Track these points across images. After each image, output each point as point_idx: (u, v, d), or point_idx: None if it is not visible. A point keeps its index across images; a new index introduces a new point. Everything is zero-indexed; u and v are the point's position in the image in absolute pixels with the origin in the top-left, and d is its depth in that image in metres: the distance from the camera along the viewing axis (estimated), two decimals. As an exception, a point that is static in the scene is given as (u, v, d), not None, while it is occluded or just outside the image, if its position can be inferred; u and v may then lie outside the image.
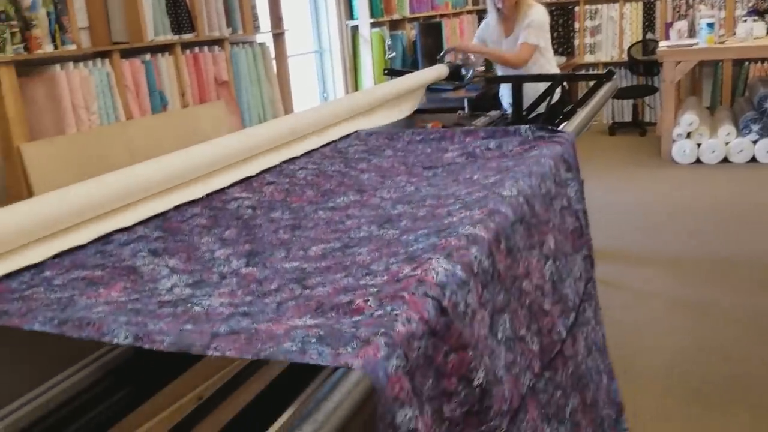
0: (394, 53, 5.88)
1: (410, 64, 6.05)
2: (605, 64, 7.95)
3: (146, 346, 0.80)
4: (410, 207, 1.34)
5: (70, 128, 3.18)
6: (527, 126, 1.80)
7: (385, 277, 0.95)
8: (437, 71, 2.94)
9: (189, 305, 0.93)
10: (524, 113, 2.99)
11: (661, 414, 2.53)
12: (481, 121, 2.92)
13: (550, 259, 1.35)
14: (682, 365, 2.87)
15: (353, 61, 5.78)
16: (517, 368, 1.12)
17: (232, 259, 1.12)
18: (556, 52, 7.84)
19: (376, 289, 0.91)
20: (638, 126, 7.62)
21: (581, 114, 2.04)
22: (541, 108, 2.95)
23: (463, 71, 3.23)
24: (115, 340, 0.82)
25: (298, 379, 0.90)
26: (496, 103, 4.11)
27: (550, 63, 3.80)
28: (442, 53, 3.46)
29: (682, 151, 6.16)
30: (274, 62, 4.67)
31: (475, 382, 0.94)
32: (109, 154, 3.20)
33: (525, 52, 3.56)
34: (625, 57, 7.80)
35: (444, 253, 0.99)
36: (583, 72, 7.93)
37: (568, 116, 2.42)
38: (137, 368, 1.07)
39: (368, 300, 0.87)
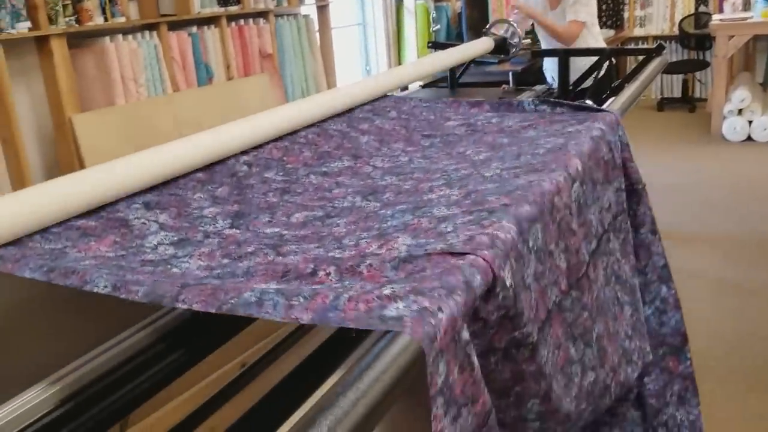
0: (438, 26, 5.83)
1: (455, 37, 5.99)
2: (655, 38, 7.76)
3: (122, 296, 0.85)
4: (398, 179, 1.37)
5: (119, 99, 3.24)
6: (530, 99, 1.80)
7: (353, 252, 0.98)
8: (482, 44, 2.91)
9: (168, 266, 0.98)
10: (570, 88, 2.94)
11: (702, 397, 2.50)
12: (526, 95, 2.88)
13: (577, 182, 1.36)
14: (726, 347, 2.83)
15: (397, 33, 5.74)
16: (545, 281, 1.12)
17: (218, 219, 1.16)
18: (604, 24, 7.68)
19: (338, 256, 0.96)
20: (688, 102, 7.44)
21: (627, 91, 2.01)
22: (588, 83, 2.91)
23: (509, 44, 3.20)
24: (96, 289, 0.88)
25: (341, 347, 0.92)
26: (542, 77, 4.06)
27: (595, 38, 3.75)
28: (488, 26, 3.43)
29: (732, 128, 6.01)
30: (317, 35, 4.67)
31: (509, 282, 0.95)
32: (156, 126, 3.26)
33: (575, 29, 3.61)
34: (676, 30, 7.60)
35: (412, 234, 1.02)
36: (632, 46, 7.77)
37: (615, 92, 2.38)
38: (190, 333, 1.10)
39: (329, 273, 0.90)
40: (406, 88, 3.15)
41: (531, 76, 4.18)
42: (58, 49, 2.97)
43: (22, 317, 1.10)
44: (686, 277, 3.45)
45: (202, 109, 3.53)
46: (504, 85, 3.10)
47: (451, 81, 3.14)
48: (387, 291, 0.81)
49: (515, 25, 3.13)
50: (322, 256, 0.97)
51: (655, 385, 1.72)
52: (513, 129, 1.66)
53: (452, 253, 0.92)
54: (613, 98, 2.02)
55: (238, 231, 1.11)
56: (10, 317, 1.09)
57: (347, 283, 0.87)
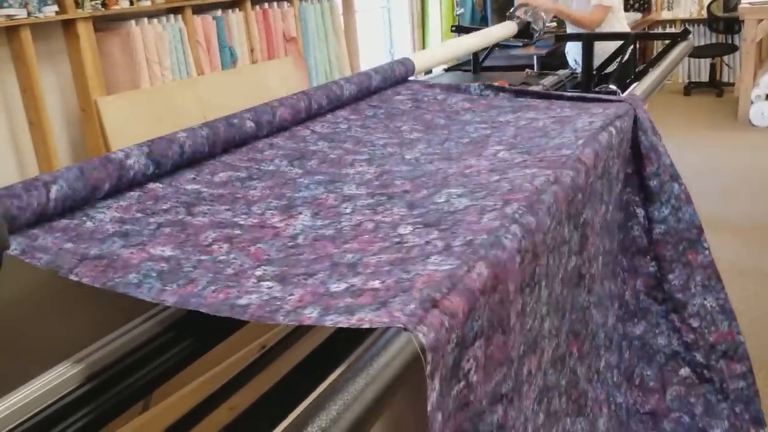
0: (462, 9, 5.79)
1: (479, 21, 5.95)
2: (683, 21, 7.65)
3: (27, 260, 0.90)
4: (329, 146, 1.43)
5: (144, 83, 3.27)
6: (477, 84, 1.86)
7: (255, 221, 1.07)
8: (506, 28, 2.89)
9: (84, 218, 1.02)
10: (594, 72, 2.92)
11: (722, 382, 2.49)
12: (549, 79, 2.86)
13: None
14: (745, 333, 2.81)
15: (421, 16, 5.72)
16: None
17: (150, 169, 1.17)
18: (631, 7, 7.58)
19: (238, 232, 1.03)
20: (715, 86, 7.33)
21: (651, 76, 1.99)
22: (611, 67, 2.88)
23: (533, 28, 3.17)
24: (5, 251, 0.91)
25: (358, 332, 0.94)
26: (566, 61, 4.03)
27: (620, 22, 3.71)
28: (512, 9, 3.40)
29: (760, 113, 5.92)
30: (341, 18, 4.67)
31: None
32: (180, 109, 3.29)
33: (599, 14, 3.57)
34: (704, 13, 7.48)
35: (312, 211, 1.11)
36: (659, 30, 7.66)
37: (639, 77, 2.36)
38: (212, 314, 1.12)
39: (222, 247, 0.98)
40: (429, 71, 3.15)
41: (556, 59, 4.14)
42: (85, 32, 3.00)
43: (47, 296, 1.13)
44: (709, 264, 3.42)
45: (227, 92, 3.55)
46: (527, 69, 3.08)
47: (475, 65, 3.13)
48: (259, 272, 0.90)
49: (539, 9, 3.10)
50: (227, 222, 1.05)
51: (679, 280, 1.79)
52: (453, 109, 1.72)
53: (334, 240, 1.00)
54: (636, 83, 2.01)
55: (160, 185, 1.16)
56: (37, 295, 1.11)
57: (232, 257, 0.95)
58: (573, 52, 3.83)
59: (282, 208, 1.13)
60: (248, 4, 3.85)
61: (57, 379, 0.94)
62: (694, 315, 1.83)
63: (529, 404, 1.13)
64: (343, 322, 0.76)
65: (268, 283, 0.88)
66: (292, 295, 0.85)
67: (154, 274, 0.90)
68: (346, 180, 1.25)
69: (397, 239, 0.99)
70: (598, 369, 1.56)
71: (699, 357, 1.85)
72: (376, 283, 0.85)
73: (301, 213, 1.11)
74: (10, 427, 0.87)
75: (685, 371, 1.86)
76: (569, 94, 1.86)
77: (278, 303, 0.83)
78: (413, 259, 0.92)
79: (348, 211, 1.12)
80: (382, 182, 1.24)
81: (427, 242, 0.97)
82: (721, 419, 1.90)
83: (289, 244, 1.01)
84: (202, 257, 0.96)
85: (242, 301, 0.84)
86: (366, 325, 0.76)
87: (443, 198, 1.14)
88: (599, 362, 1.57)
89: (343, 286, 0.86)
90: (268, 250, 0.98)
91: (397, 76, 1.87)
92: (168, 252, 0.96)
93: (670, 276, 1.79)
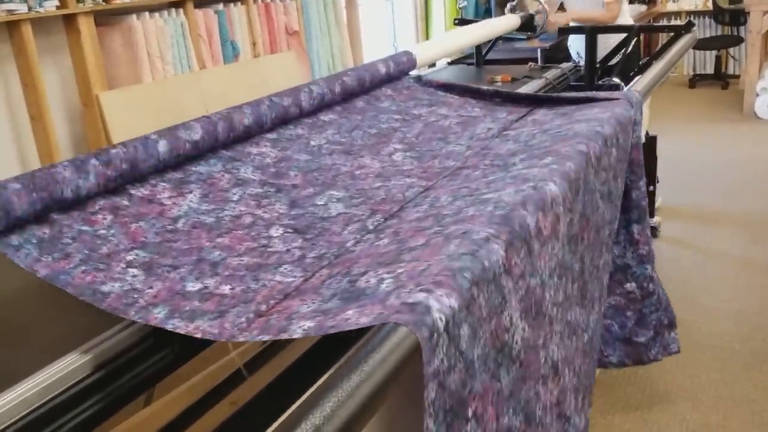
0: (466, 2, 5.77)
1: (483, 14, 5.93)
2: (688, 13, 7.61)
3: None
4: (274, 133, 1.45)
5: (146, 77, 3.27)
6: (415, 77, 1.92)
7: (146, 192, 1.08)
8: (509, 21, 2.88)
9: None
10: (597, 65, 2.91)
11: (725, 377, 2.49)
12: (552, 73, 2.85)
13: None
14: (749, 327, 2.80)
15: (425, 9, 5.70)
16: None
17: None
18: (636, -1, 7.55)
19: (126, 203, 1.04)
20: (720, 78, 7.30)
21: (653, 70, 1.98)
22: (614, 60, 2.88)
23: (536, 21, 3.16)
24: None
25: (353, 332, 0.94)
26: (570, 54, 4.01)
27: (623, 15, 3.70)
28: (515, 2, 3.38)
29: (765, 105, 5.90)
30: (344, 11, 4.65)
31: None
32: (182, 103, 3.28)
33: (615, 9, 3.63)
34: (710, 5, 7.44)
35: (203, 191, 1.13)
36: (664, 22, 7.63)
37: (642, 70, 2.35)
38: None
39: (106, 218, 0.99)
40: (433, 65, 3.14)
41: (560, 53, 4.12)
42: (86, 27, 2.99)
43: (55, 288, 1.13)
44: (713, 256, 3.42)
45: (229, 87, 3.54)
46: (530, 63, 3.07)
47: (478, 58, 3.13)
48: (131, 257, 0.93)
49: (543, 2, 3.09)
50: (117, 188, 1.07)
51: (647, 186, 1.83)
52: (375, 95, 1.76)
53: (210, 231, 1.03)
54: (639, 77, 2.00)
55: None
56: (44, 287, 1.11)
57: (112, 232, 0.98)
58: (575, 45, 3.81)
59: (176, 181, 1.14)
60: (250, -2, 3.84)
61: (62, 370, 0.94)
62: (650, 225, 1.88)
63: (544, 266, 1.15)
64: (182, 328, 0.81)
65: (134, 270, 0.91)
66: (150, 288, 0.88)
67: (35, 241, 0.91)
68: (246, 162, 1.27)
69: (265, 242, 1.04)
70: (597, 266, 1.58)
71: (649, 269, 1.89)
72: (226, 289, 0.90)
73: (191, 192, 1.12)
74: (17, 417, 0.88)
75: (631, 286, 1.90)
76: (481, 88, 1.90)
77: (135, 296, 0.86)
78: (268, 266, 0.97)
79: (235, 198, 1.14)
80: (278, 170, 1.27)
81: (288, 250, 1.02)
82: (648, 329, 1.97)
83: (169, 227, 1.03)
84: (84, 227, 0.97)
85: (105, 288, 0.86)
86: (198, 335, 0.80)
87: (323, 200, 1.19)
88: (599, 260, 1.60)
89: (198, 286, 0.90)
90: (147, 232, 1.00)
91: (394, 76, 1.87)
92: (54, 215, 0.97)
93: (641, 183, 1.80)
